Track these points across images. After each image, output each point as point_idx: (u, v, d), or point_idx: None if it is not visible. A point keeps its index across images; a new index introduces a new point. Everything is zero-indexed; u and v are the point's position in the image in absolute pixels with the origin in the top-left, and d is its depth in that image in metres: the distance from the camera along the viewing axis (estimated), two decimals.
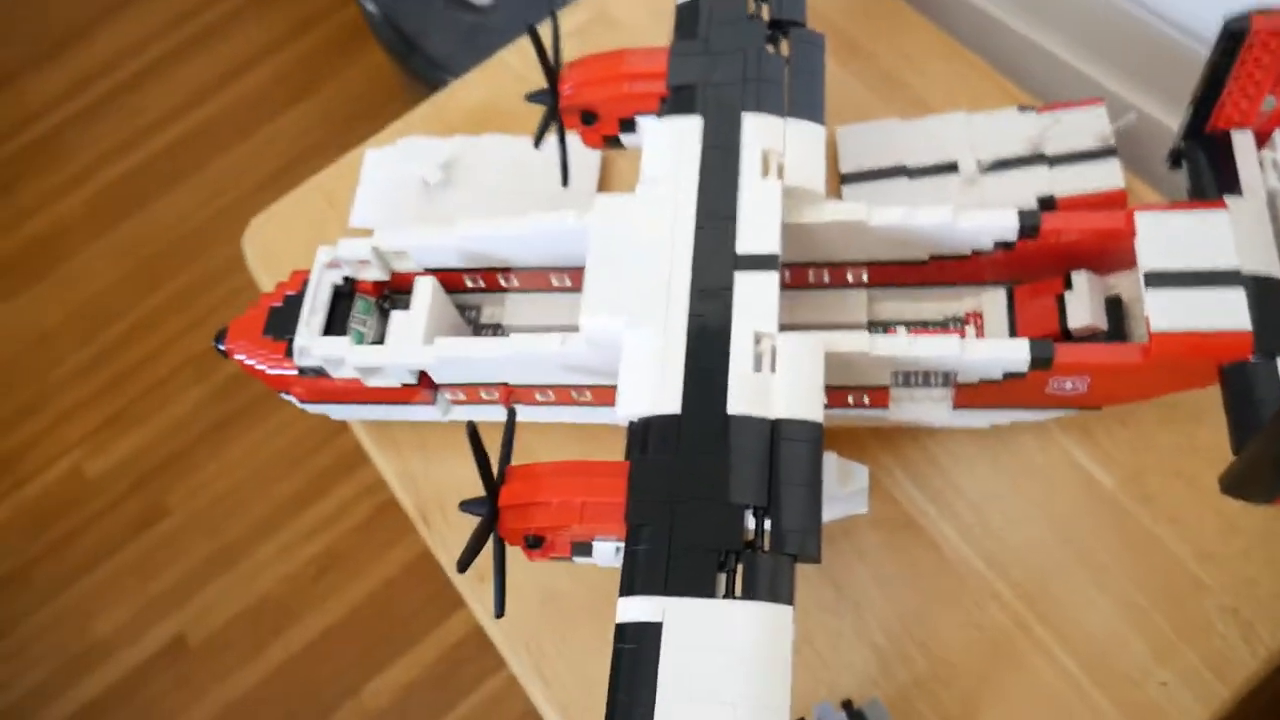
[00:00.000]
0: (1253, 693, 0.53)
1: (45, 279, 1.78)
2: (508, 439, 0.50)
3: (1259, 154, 0.51)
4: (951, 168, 0.65)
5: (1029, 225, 0.52)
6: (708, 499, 0.45)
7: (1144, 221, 0.50)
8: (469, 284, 0.62)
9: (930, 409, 0.56)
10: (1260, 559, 0.54)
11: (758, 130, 0.54)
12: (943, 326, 0.58)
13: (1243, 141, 0.51)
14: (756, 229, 0.51)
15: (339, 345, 0.57)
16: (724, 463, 0.45)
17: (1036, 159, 0.64)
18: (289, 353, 0.59)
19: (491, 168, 0.71)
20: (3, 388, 1.68)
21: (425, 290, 0.57)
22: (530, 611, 0.59)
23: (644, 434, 0.47)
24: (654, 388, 0.48)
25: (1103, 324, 0.52)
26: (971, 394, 0.54)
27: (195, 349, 1.66)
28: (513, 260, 0.60)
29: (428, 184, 0.70)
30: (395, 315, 0.57)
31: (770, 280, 0.50)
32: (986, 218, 0.52)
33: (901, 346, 0.49)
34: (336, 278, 0.60)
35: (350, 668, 1.44)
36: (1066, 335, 0.53)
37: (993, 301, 0.56)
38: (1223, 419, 0.48)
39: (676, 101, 0.56)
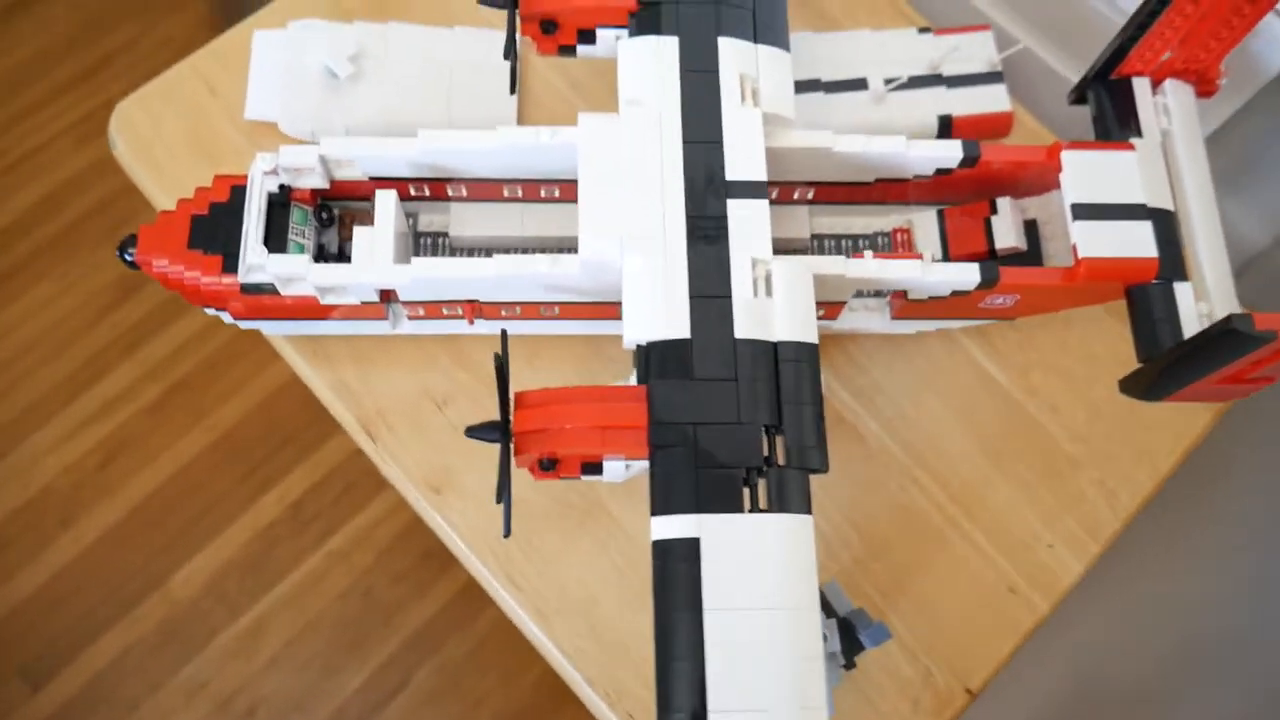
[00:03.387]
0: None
1: None
2: (504, 365, 0.50)
3: (1153, 99, 0.59)
4: (861, 84, 0.69)
5: (970, 156, 0.57)
6: (727, 420, 0.48)
7: (1069, 159, 0.56)
8: (413, 192, 0.60)
9: (871, 318, 0.61)
10: (1119, 439, 0.65)
11: (733, 55, 0.55)
12: (871, 241, 0.64)
13: (1142, 87, 0.59)
14: (743, 156, 0.53)
15: (297, 264, 0.54)
16: (737, 385, 0.49)
17: (935, 79, 0.70)
18: (227, 267, 0.56)
19: (401, 60, 0.67)
20: None
21: (388, 205, 0.55)
22: (492, 519, 0.61)
23: (657, 358, 0.50)
24: (663, 313, 0.50)
25: (1024, 245, 0.59)
26: (910, 308, 0.60)
27: None
28: (469, 173, 0.58)
29: (335, 76, 0.66)
30: (359, 232, 0.55)
31: (761, 207, 0.52)
32: (935, 148, 0.57)
33: (874, 269, 0.54)
34: (272, 185, 0.56)
35: (153, 558, 1.37)
36: (992, 254, 0.60)
37: (924, 222, 0.62)
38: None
39: (647, 19, 0.56)
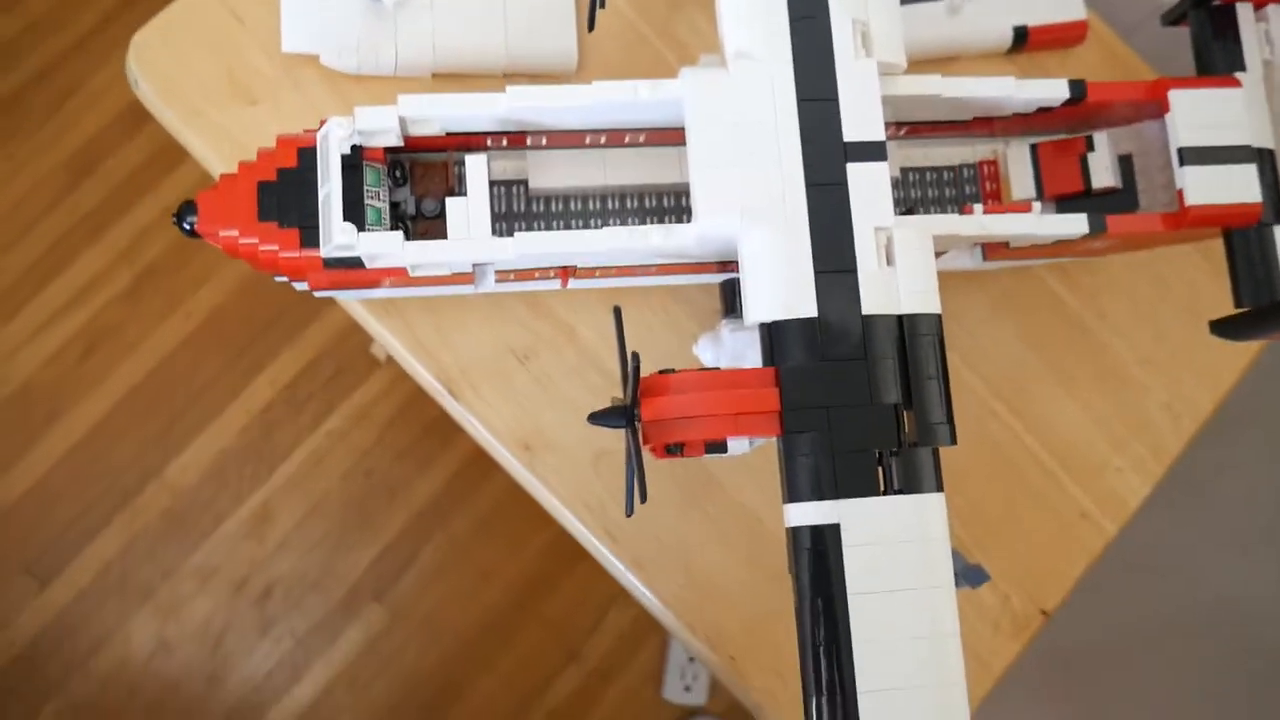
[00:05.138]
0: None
1: None
2: (623, 346, 0.49)
3: (1256, 27, 0.57)
4: None
5: (1077, 95, 0.55)
6: (860, 402, 0.48)
7: (1176, 100, 0.55)
8: (489, 144, 0.56)
9: (962, 259, 0.61)
10: (1183, 360, 0.67)
11: (844, 2, 0.51)
12: (956, 174, 0.62)
13: (1246, 15, 0.57)
14: (860, 114, 0.50)
15: (390, 242, 0.50)
16: (867, 364, 0.48)
17: None
18: (307, 241, 0.52)
19: None
20: None
21: (479, 173, 0.52)
22: (584, 472, 0.61)
23: (785, 339, 0.49)
24: (789, 291, 0.49)
25: (1120, 183, 0.58)
26: (1005, 251, 0.59)
27: None
28: (554, 126, 0.55)
29: (379, 1, 0.60)
30: (453, 205, 0.51)
31: (882, 171, 0.50)
32: (1043, 88, 0.55)
33: (990, 224, 0.53)
34: (344, 147, 0.52)
35: (147, 448, 1.35)
36: (1088, 192, 0.59)
37: (1017, 156, 0.60)
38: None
39: None
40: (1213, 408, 0.66)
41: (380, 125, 0.52)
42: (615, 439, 0.60)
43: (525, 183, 0.59)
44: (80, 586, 1.32)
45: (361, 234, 0.51)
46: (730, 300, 0.59)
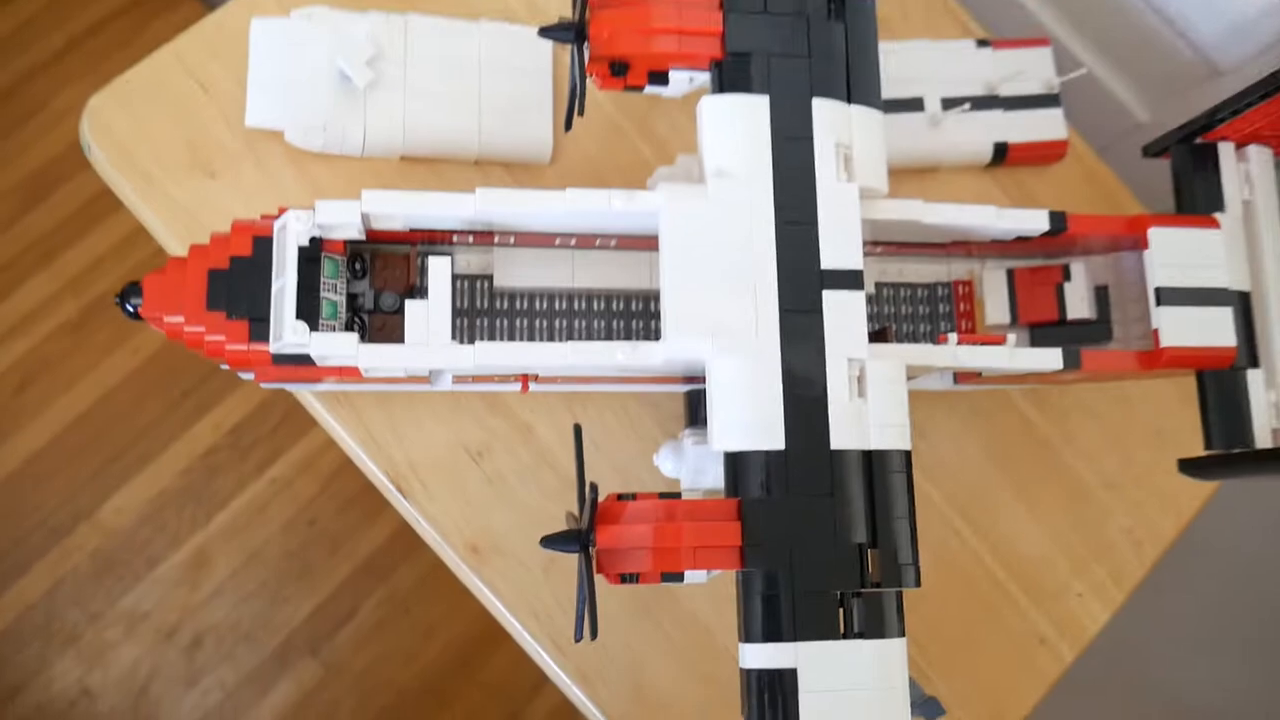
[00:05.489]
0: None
1: None
2: (581, 465, 0.47)
3: (1237, 167, 0.57)
4: (918, 104, 0.65)
5: (1057, 227, 0.54)
6: (824, 540, 0.46)
7: (1156, 238, 0.54)
8: (455, 240, 0.55)
9: (932, 381, 0.59)
10: (1148, 486, 0.66)
11: (828, 119, 0.50)
12: (931, 291, 0.61)
13: (1228, 155, 0.57)
14: (840, 240, 0.49)
15: (344, 344, 0.48)
16: (834, 501, 0.47)
17: (992, 100, 0.66)
18: (256, 334, 0.50)
19: (423, 60, 0.60)
20: None
21: (442, 276, 0.50)
22: (533, 578, 0.58)
23: (748, 469, 0.47)
24: (755, 421, 0.47)
25: (1095, 314, 0.58)
26: (975, 377, 0.58)
27: None
28: (527, 228, 0.53)
29: (349, 81, 0.58)
30: (412, 308, 0.49)
31: (858, 300, 0.49)
32: (1024, 219, 0.54)
33: (963, 355, 0.52)
34: (303, 239, 0.50)
35: (80, 488, 1.31)
36: (1062, 321, 0.58)
37: (994, 281, 0.60)
38: None
39: (735, 73, 0.50)
40: (1175, 534, 0.66)
41: (342, 220, 0.49)
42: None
43: (490, 278, 0.57)
44: (1, 627, 1.26)
45: (314, 334, 0.48)
46: (695, 410, 0.58)
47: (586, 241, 0.55)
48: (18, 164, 1.34)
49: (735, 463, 0.47)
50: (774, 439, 0.47)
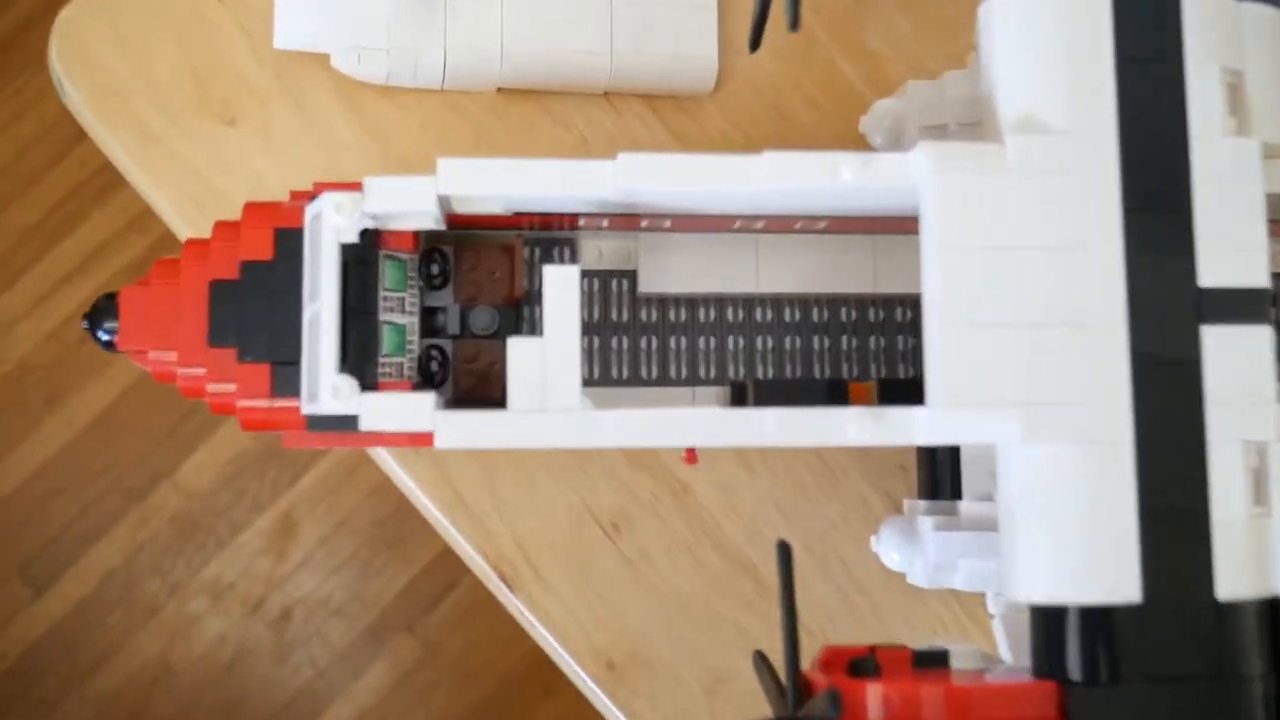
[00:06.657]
0: None
1: None
2: (791, 606, 0.29)
3: None
4: None
5: None
6: None
7: None
8: (582, 224, 0.36)
9: None
10: None
11: (1202, 29, 0.29)
12: None
13: None
14: (1228, 238, 0.29)
15: (415, 412, 0.30)
16: (1224, 687, 0.28)
17: None
18: (280, 385, 0.32)
19: None
20: None
21: (568, 296, 0.31)
22: (692, 703, 0.41)
23: (1075, 634, 0.28)
24: (1091, 556, 0.28)
25: None
26: None
27: None
28: (689, 211, 0.34)
29: None
30: (515, 346, 0.31)
31: (1262, 338, 0.29)
32: None
33: None
34: (349, 234, 0.32)
35: (157, 444, 1.19)
36: None
37: None
38: None
39: None
40: None
41: (406, 206, 0.31)
42: (738, 656, 0.41)
43: (632, 274, 0.38)
44: (79, 596, 1.17)
45: (367, 395, 0.30)
46: (934, 475, 0.39)
47: (780, 224, 0.36)
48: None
49: (1049, 622, 0.29)
50: (1123, 585, 0.28)
